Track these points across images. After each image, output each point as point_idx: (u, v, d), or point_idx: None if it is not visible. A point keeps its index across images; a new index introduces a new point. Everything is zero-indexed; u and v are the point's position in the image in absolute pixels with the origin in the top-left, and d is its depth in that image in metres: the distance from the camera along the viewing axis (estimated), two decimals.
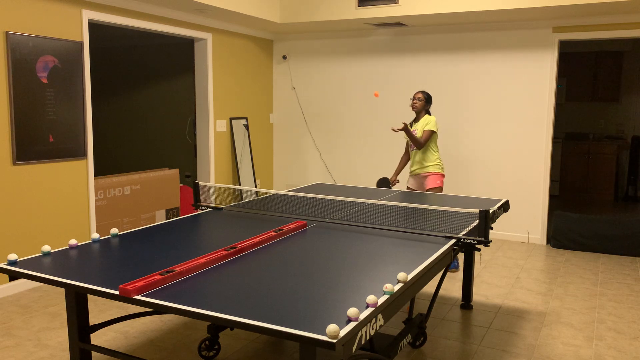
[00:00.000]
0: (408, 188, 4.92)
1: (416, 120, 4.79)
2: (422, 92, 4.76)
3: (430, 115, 4.74)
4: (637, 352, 3.22)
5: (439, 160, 4.77)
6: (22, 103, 4.04)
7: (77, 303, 2.45)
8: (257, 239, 2.68)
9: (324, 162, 6.84)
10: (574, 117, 8.87)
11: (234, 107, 6.36)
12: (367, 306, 1.86)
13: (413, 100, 4.76)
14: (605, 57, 8.30)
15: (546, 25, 5.52)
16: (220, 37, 6.05)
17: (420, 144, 4.68)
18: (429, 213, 3.49)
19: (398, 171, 5.01)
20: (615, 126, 8.60)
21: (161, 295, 1.96)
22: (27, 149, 4.10)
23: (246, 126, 6.57)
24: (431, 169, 4.74)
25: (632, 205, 7.95)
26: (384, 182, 4.99)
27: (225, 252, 2.44)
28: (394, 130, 4.64)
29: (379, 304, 1.87)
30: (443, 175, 4.78)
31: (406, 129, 4.64)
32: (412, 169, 4.86)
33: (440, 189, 4.72)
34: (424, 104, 4.73)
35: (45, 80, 4.18)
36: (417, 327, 3.13)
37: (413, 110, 4.85)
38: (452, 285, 4.40)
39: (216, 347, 3.08)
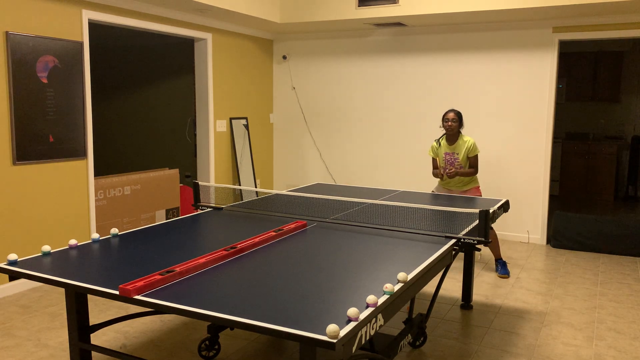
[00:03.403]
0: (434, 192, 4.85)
1: (451, 142, 4.62)
2: (454, 111, 4.57)
3: (463, 135, 4.62)
4: (637, 352, 3.22)
5: (476, 177, 4.72)
6: (22, 103, 4.04)
7: (77, 303, 2.45)
8: (257, 239, 2.68)
9: (324, 162, 6.84)
10: (574, 117, 8.87)
11: (234, 107, 6.36)
12: (367, 306, 1.86)
13: (447, 122, 4.55)
14: (605, 57, 8.30)
15: (546, 25, 5.52)
16: (220, 37, 6.05)
17: (474, 172, 4.58)
18: (429, 213, 3.49)
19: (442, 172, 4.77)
20: (615, 126, 8.60)
21: (161, 295, 1.96)
22: (27, 149, 4.10)
23: (246, 126, 6.57)
24: (470, 186, 4.69)
25: (632, 205, 7.95)
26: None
27: (225, 252, 2.44)
28: (448, 174, 4.54)
29: (379, 304, 1.87)
30: (479, 186, 4.71)
31: (456, 173, 4.53)
32: (449, 185, 4.73)
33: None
34: (458, 124, 4.57)
35: (45, 80, 4.18)
36: (417, 327, 3.13)
37: (448, 133, 4.61)
38: (452, 285, 4.40)
39: (216, 347, 3.08)
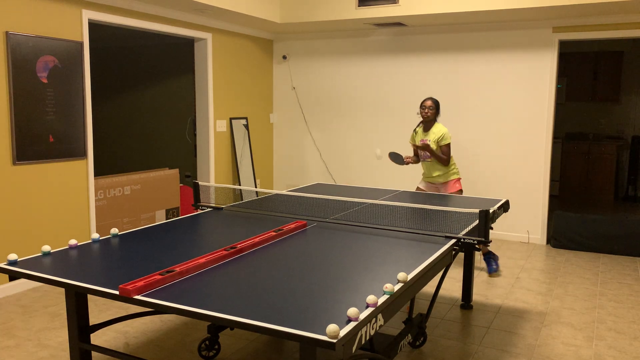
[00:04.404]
0: (418, 189, 4.86)
1: (426, 129, 4.71)
2: (432, 99, 4.65)
3: (438, 123, 4.68)
4: (637, 352, 3.22)
5: (455, 167, 4.73)
6: (22, 103, 4.04)
7: (77, 303, 2.45)
8: (257, 239, 2.68)
9: (324, 162, 6.84)
10: (574, 117, 8.87)
11: (234, 107, 6.36)
12: (367, 306, 1.86)
13: (424, 110, 4.64)
14: (605, 57, 8.30)
15: (546, 25, 5.52)
16: (220, 37, 6.05)
17: (445, 161, 4.61)
18: (429, 213, 3.49)
19: (414, 160, 4.88)
20: (615, 126, 8.60)
21: (161, 295, 1.96)
22: (27, 149, 4.10)
23: (246, 126, 6.57)
24: (449, 177, 4.70)
25: (632, 205, 7.95)
26: (396, 157, 4.87)
27: (225, 252, 2.44)
28: (418, 145, 4.62)
29: (379, 304, 1.87)
30: (460, 178, 4.74)
31: (430, 149, 4.59)
32: (427, 176, 4.78)
33: (460, 191, 4.69)
34: (435, 112, 4.65)
35: (45, 80, 4.19)
36: (417, 327, 3.13)
37: (424, 119, 4.70)
38: (452, 285, 4.40)
39: (216, 347, 3.08)
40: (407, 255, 2.53)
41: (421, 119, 4.77)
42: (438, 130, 4.65)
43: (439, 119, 5.98)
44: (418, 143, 4.75)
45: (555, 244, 5.62)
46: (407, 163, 4.85)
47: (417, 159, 4.90)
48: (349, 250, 2.60)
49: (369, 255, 2.51)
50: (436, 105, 4.66)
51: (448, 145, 4.62)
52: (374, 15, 5.54)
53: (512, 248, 5.60)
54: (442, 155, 4.63)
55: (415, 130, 4.83)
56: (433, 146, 4.62)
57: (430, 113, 4.63)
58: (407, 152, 6.31)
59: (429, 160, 4.72)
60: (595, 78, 8.41)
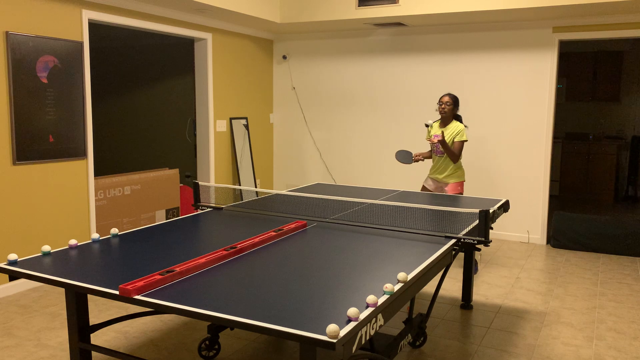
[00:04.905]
0: (424, 187, 4.86)
1: (443, 125, 4.69)
2: (450, 95, 4.61)
3: (458, 121, 4.64)
4: (637, 352, 3.22)
5: (462, 168, 4.71)
6: (22, 103, 4.04)
7: (77, 303, 2.45)
8: (257, 239, 2.68)
9: (324, 162, 6.84)
10: (574, 117, 8.87)
11: (234, 107, 6.36)
12: (367, 306, 1.86)
13: (442, 105, 4.61)
14: (605, 57, 8.30)
15: (546, 25, 5.52)
16: (220, 37, 6.05)
17: (456, 157, 4.57)
18: (429, 213, 3.49)
19: (425, 155, 4.86)
20: (615, 126, 8.60)
21: (161, 295, 1.96)
22: (27, 149, 4.10)
23: (246, 126, 6.57)
24: (455, 178, 4.68)
25: (632, 205, 7.95)
26: (405, 155, 4.81)
27: (225, 252, 2.44)
28: (432, 141, 4.55)
29: (379, 304, 1.87)
30: (464, 181, 4.72)
31: (444, 141, 4.52)
32: (434, 173, 4.77)
33: (461, 194, 4.67)
34: (452, 108, 4.61)
35: (45, 80, 4.18)
36: (417, 327, 3.13)
37: (442, 115, 4.68)
38: (452, 285, 4.40)
39: (216, 347, 3.08)
40: (407, 255, 2.53)
41: (440, 116, 4.76)
42: (455, 126, 4.62)
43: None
44: (432, 137, 4.73)
45: (555, 244, 5.62)
46: (416, 160, 4.80)
47: (429, 154, 4.87)
48: (349, 250, 2.60)
49: (369, 255, 2.51)
50: (454, 101, 4.62)
51: (462, 142, 4.58)
52: (374, 15, 5.54)
53: (512, 248, 5.60)
54: (453, 151, 4.58)
55: (431, 124, 4.81)
56: (448, 140, 4.60)
57: (447, 109, 4.61)
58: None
59: (441, 155, 4.69)
60: (595, 78, 8.41)
